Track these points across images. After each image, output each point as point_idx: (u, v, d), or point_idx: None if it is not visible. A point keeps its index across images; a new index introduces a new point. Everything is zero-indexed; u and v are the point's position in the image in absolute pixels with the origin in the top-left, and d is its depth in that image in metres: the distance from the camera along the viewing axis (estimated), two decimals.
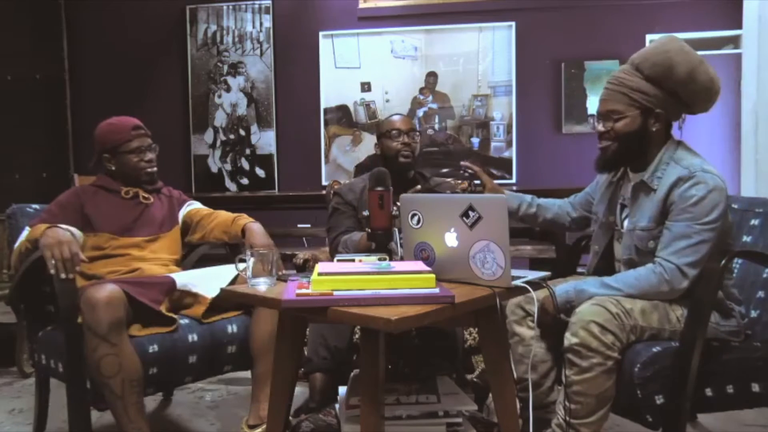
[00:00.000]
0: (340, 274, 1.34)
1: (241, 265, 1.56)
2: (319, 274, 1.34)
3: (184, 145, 4.81)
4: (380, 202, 1.65)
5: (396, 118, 2.38)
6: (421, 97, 4.50)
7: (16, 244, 2.00)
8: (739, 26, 3.37)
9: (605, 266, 1.95)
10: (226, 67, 4.73)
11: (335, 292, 1.30)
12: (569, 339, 1.62)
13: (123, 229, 2.13)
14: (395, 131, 2.32)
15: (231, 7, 4.70)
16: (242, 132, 4.74)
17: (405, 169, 2.32)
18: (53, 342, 1.94)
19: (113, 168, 2.20)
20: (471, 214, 1.43)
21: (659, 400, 1.58)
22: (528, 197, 2.14)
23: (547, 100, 4.39)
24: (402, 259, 1.61)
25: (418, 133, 2.37)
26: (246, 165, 4.75)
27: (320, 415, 1.80)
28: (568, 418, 1.63)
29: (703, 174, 1.66)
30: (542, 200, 2.15)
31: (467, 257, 1.46)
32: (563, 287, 1.72)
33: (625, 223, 1.84)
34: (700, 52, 1.78)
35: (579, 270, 2.18)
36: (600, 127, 1.81)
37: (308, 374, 2.06)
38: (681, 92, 1.73)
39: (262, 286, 1.48)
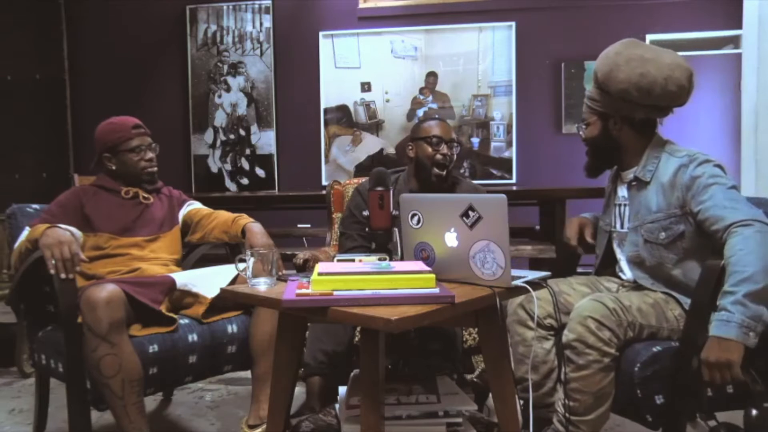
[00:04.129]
0: (340, 274, 1.34)
1: (241, 265, 1.56)
2: (319, 274, 1.34)
3: (184, 145, 4.82)
4: (380, 202, 1.65)
5: (436, 123, 2.21)
6: (421, 97, 4.51)
7: (16, 244, 2.00)
8: (739, 26, 3.37)
9: (609, 271, 1.97)
10: (226, 67, 4.73)
11: (335, 292, 1.30)
12: (567, 335, 1.62)
13: (123, 229, 2.13)
14: (435, 138, 2.15)
15: (231, 7, 4.70)
16: (242, 132, 4.74)
17: (437, 180, 2.18)
18: (53, 342, 1.94)
19: (114, 167, 2.20)
20: (471, 214, 1.43)
21: (659, 400, 1.58)
22: (590, 214, 2.10)
23: (547, 100, 4.39)
24: (402, 259, 1.61)
25: (457, 145, 2.20)
26: (246, 165, 4.76)
27: (320, 415, 1.79)
28: (567, 415, 1.64)
29: (702, 155, 1.72)
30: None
31: (467, 257, 1.46)
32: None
33: (626, 222, 1.85)
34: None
35: (579, 270, 2.18)
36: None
37: (306, 378, 2.06)
38: (629, 95, 1.74)
39: (262, 286, 1.48)
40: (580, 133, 1.91)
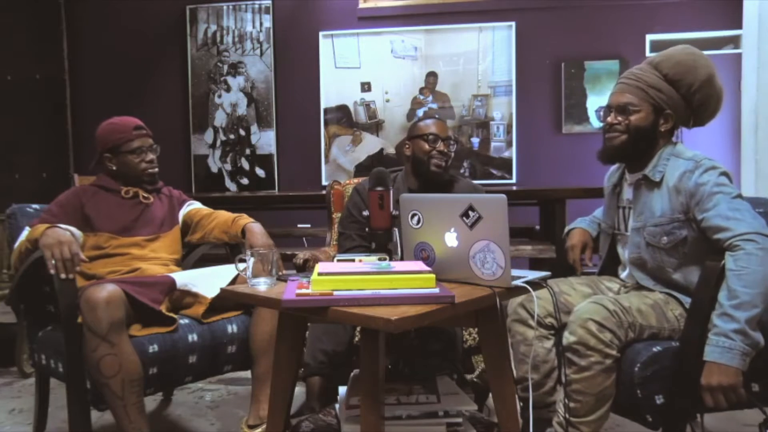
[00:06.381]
0: (340, 274, 1.34)
1: (241, 265, 1.56)
2: (319, 274, 1.34)
3: (184, 145, 4.82)
4: (380, 202, 1.65)
5: (433, 121, 2.23)
6: (421, 97, 4.51)
7: (16, 244, 2.00)
8: (739, 26, 3.37)
9: (610, 271, 1.98)
10: (226, 67, 4.73)
11: (335, 292, 1.30)
12: (567, 338, 1.62)
13: (123, 228, 2.13)
14: (432, 136, 2.17)
15: (231, 7, 4.70)
16: (242, 132, 4.74)
17: (434, 177, 2.19)
18: (53, 342, 1.94)
19: (114, 168, 2.20)
20: (471, 214, 1.43)
21: (659, 400, 1.58)
22: (588, 220, 2.11)
23: (547, 100, 4.39)
24: (402, 259, 1.61)
25: (454, 142, 2.21)
26: (246, 165, 4.76)
27: (320, 415, 1.79)
28: (568, 417, 1.64)
29: (708, 161, 1.70)
30: (597, 217, 2.12)
31: (467, 257, 1.46)
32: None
33: (630, 223, 1.84)
34: None
35: None
36: (611, 119, 1.82)
37: (306, 378, 2.06)
38: (696, 96, 1.75)
39: (262, 286, 1.48)
40: (611, 118, 1.81)
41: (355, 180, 2.66)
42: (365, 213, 1.69)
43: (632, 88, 1.78)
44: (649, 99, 1.77)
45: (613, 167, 1.99)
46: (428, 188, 2.19)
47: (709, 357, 1.50)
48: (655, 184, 1.76)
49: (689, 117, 1.81)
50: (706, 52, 1.81)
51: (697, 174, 1.67)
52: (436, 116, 2.31)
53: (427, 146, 2.18)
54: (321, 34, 4.58)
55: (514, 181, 4.41)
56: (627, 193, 1.88)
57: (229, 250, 2.30)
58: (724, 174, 1.67)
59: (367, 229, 1.70)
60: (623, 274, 1.92)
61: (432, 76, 4.48)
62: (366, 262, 1.54)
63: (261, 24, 4.67)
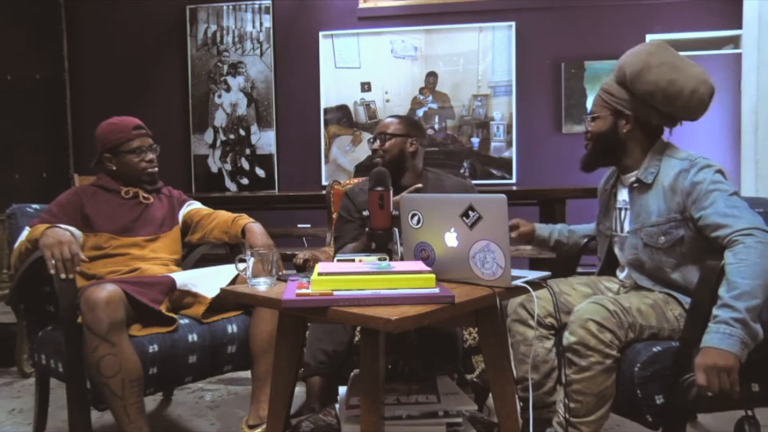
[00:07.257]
0: (340, 274, 1.34)
1: (241, 265, 1.56)
2: (319, 274, 1.34)
3: (184, 145, 4.82)
4: (380, 202, 1.65)
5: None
6: (421, 97, 4.51)
7: (16, 244, 2.00)
8: (739, 26, 3.37)
9: (610, 272, 1.98)
10: (226, 67, 4.73)
11: (335, 292, 1.30)
12: (568, 338, 1.62)
13: (123, 228, 2.13)
14: (371, 138, 2.27)
15: (231, 7, 4.70)
16: (242, 132, 4.74)
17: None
18: (53, 342, 1.94)
19: (114, 168, 2.20)
20: (471, 214, 1.43)
21: (659, 400, 1.58)
22: (558, 225, 2.14)
23: (547, 100, 4.39)
24: (402, 259, 1.61)
25: (387, 136, 2.21)
26: (246, 165, 4.76)
27: (320, 415, 1.79)
28: (568, 417, 1.64)
29: (703, 159, 1.70)
30: (574, 226, 2.15)
31: (467, 257, 1.46)
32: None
33: (626, 225, 1.84)
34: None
35: (579, 270, 2.19)
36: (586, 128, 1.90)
37: (306, 378, 2.06)
38: (653, 98, 1.72)
39: (262, 286, 1.48)
40: (586, 125, 1.87)
41: (356, 180, 2.67)
42: (365, 213, 1.69)
43: (597, 96, 1.84)
44: (605, 104, 1.80)
45: (609, 169, 2.00)
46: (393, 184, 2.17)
47: (708, 343, 1.47)
48: (649, 185, 1.76)
49: (660, 116, 1.76)
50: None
51: (692, 173, 1.67)
52: (392, 115, 2.33)
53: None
54: (321, 34, 4.58)
55: (514, 181, 4.41)
56: (622, 194, 1.88)
57: (229, 250, 2.30)
58: (719, 172, 1.67)
59: (367, 229, 1.70)
60: (621, 275, 1.92)
61: (432, 76, 4.48)
62: (366, 262, 1.54)
63: (261, 24, 4.67)
